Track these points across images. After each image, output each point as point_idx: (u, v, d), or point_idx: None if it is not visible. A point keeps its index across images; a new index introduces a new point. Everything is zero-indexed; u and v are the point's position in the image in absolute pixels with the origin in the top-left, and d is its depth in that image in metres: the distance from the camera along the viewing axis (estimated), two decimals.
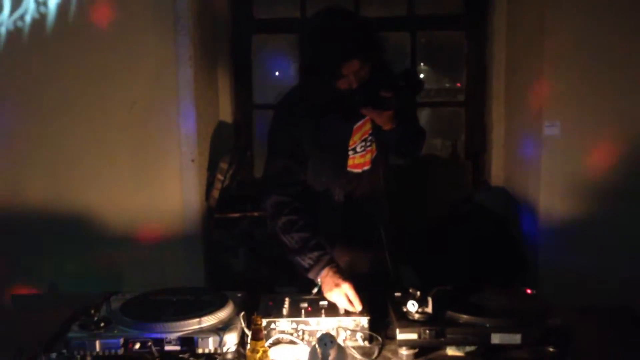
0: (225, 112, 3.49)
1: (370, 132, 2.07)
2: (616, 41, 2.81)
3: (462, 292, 1.79)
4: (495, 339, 1.57)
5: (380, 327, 1.74)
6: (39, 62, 2.94)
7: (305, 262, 1.90)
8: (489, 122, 3.50)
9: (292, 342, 1.68)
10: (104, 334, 1.59)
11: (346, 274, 1.84)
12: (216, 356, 1.59)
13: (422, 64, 3.82)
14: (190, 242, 3.06)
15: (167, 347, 1.58)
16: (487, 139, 3.53)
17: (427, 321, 1.60)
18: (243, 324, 1.66)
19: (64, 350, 1.58)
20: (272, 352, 1.62)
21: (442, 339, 1.58)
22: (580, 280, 2.83)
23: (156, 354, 1.57)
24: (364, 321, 1.70)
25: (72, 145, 2.99)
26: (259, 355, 1.51)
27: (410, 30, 3.51)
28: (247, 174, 3.47)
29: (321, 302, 1.81)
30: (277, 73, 3.99)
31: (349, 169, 2.09)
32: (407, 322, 1.61)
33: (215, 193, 3.07)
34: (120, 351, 1.57)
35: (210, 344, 1.58)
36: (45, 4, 2.88)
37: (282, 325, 1.69)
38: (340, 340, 1.66)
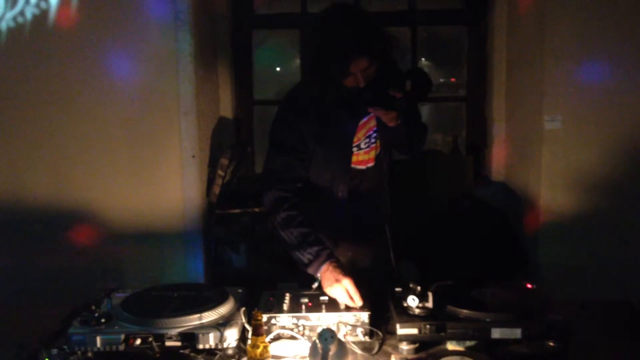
0: (226, 108, 3.49)
1: (374, 128, 2.06)
2: (616, 35, 2.80)
3: (462, 287, 1.79)
4: (496, 333, 1.57)
5: (381, 322, 1.75)
6: (39, 59, 2.93)
7: (305, 257, 1.90)
8: (490, 117, 3.49)
9: (292, 338, 1.68)
10: (104, 330, 1.59)
11: (346, 269, 1.84)
12: (217, 352, 1.59)
13: (423, 59, 3.81)
14: (191, 238, 3.06)
15: (168, 343, 1.58)
16: (488, 134, 3.52)
17: (427, 316, 1.61)
18: (244, 320, 1.66)
19: (65, 346, 1.58)
20: (273, 348, 1.62)
21: (443, 334, 1.59)
22: (581, 275, 2.83)
23: (157, 350, 1.57)
24: (365, 316, 1.70)
25: (73, 142, 2.99)
26: (259, 350, 1.51)
27: (411, 25, 3.49)
28: (248, 170, 3.46)
29: (322, 298, 1.81)
30: (277, 68, 3.99)
31: (353, 165, 2.09)
32: (407, 317, 1.61)
33: (216, 189, 3.07)
34: (121, 347, 1.58)
35: (211, 340, 1.58)
36: None
37: (283, 320, 1.69)
38: (340, 336, 1.66)
